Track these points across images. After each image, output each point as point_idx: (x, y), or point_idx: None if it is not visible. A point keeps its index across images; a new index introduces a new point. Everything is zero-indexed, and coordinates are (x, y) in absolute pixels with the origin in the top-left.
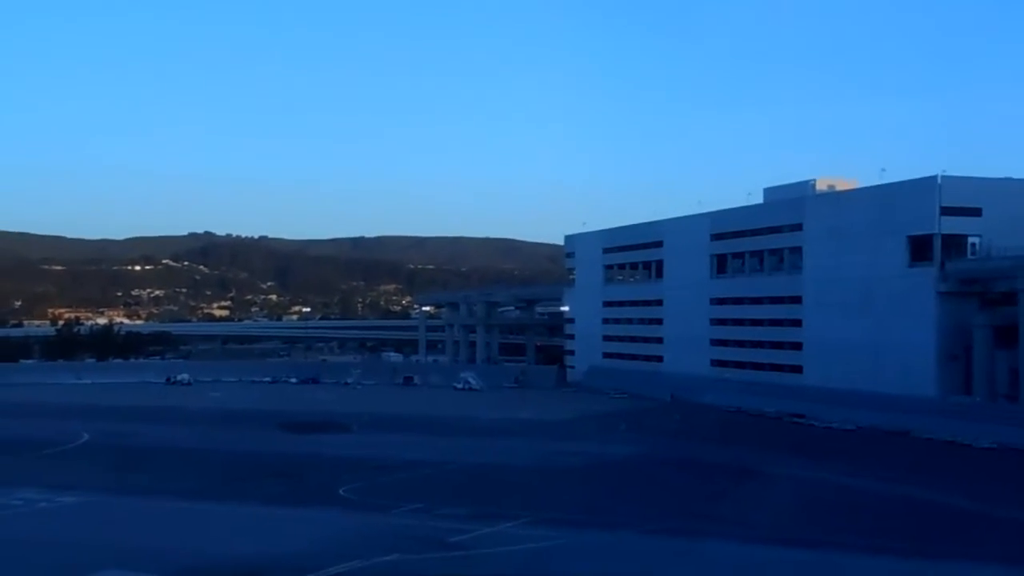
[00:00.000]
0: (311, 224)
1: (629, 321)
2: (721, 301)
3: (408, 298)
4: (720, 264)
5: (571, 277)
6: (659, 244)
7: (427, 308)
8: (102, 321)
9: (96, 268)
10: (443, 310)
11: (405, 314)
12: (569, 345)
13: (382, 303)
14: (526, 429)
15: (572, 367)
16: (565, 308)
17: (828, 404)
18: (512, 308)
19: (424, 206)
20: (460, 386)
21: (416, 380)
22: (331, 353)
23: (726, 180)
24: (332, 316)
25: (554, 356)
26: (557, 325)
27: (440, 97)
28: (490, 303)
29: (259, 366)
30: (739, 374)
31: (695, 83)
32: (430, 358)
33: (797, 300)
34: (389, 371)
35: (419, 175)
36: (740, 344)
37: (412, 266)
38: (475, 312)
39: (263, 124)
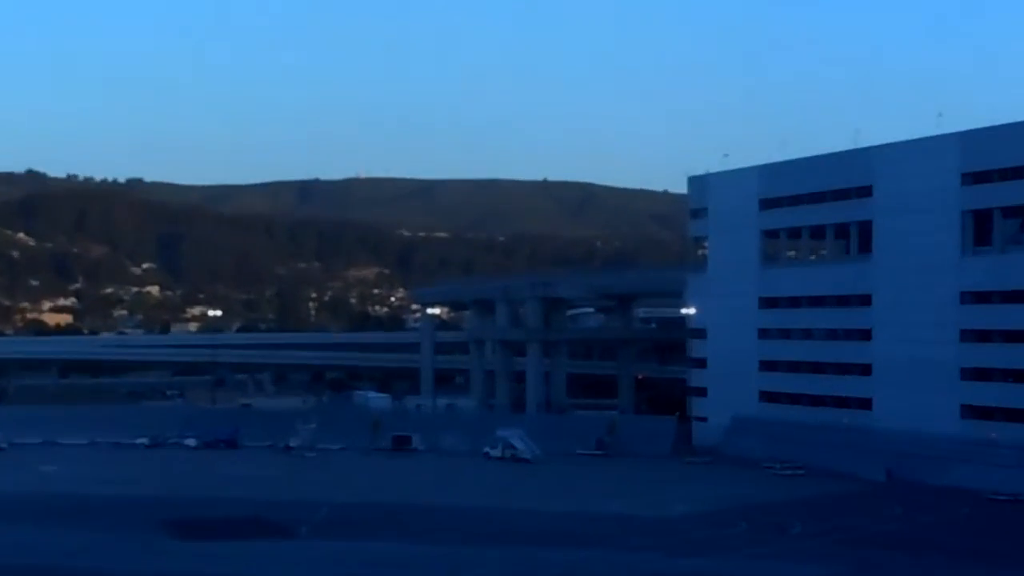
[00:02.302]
0: (222, 161)
1: (807, 335)
2: (983, 297)
3: (401, 292)
4: (980, 226)
5: (700, 253)
6: (866, 192)
7: (435, 311)
8: None
9: None
10: (465, 314)
11: (395, 321)
12: (696, 379)
13: (353, 301)
14: (622, 536)
15: (703, 419)
16: (689, 311)
17: None
18: (590, 310)
19: (430, 129)
20: (497, 453)
21: (416, 442)
22: (260, 392)
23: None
24: (262, 326)
25: (669, 399)
26: (673, 342)
27: None
28: (550, 300)
29: (129, 416)
30: (1015, 432)
31: None
32: (442, 401)
33: None
34: (367, 426)
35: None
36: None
37: (406, 233)
38: (524, 317)
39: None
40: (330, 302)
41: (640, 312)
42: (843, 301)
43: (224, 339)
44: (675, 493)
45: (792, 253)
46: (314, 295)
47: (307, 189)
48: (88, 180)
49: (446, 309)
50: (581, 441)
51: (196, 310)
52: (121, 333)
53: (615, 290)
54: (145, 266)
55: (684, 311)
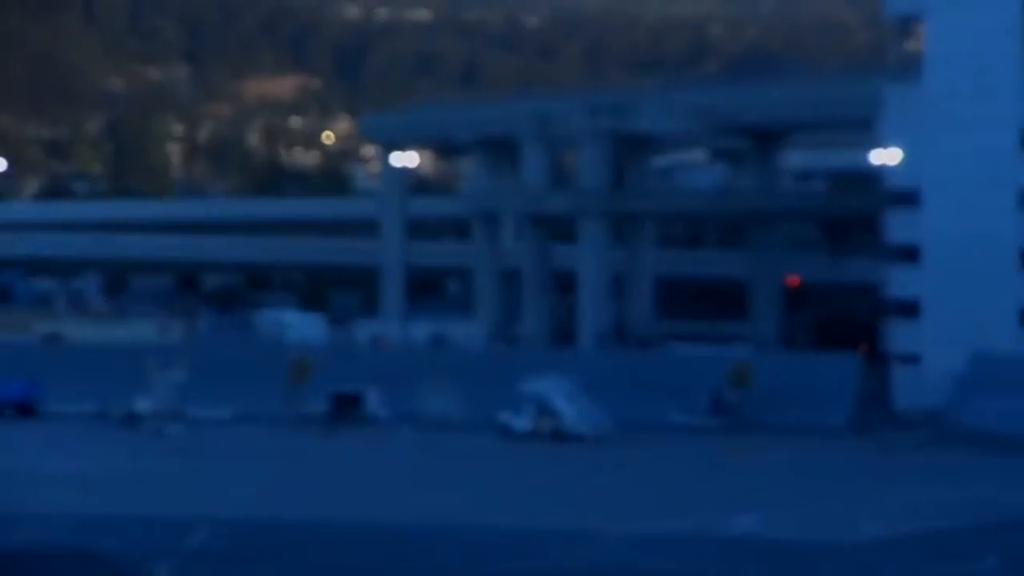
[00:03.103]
0: None
1: None
2: None
3: (344, 122)
4: None
5: (907, 46)
6: None
7: (405, 158)
8: None
9: None
10: (462, 165)
11: (333, 178)
12: (901, 285)
13: (253, 141)
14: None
15: (912, 359)
16: (886, 157)
17: None
18: (699, 157)
19: None
20: (524, 424)
21: (373, 405)
22: (80, 312)
23: None
24: (80, 187)
25: (847, 323)
26: (857, 217)
27: None
28: (623, 138)
29: None
30: None
31: None
32: (421, 329)
33: None
34: (281, 376)
35: None
36: None
37: (354, 13)
38: (574, 172)
39: None
40: (211, 141)
41: (794, 161)
42: None
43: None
44: (863, 498)
45: None
46: (179, 128)
47: None
48: None
49: (426, 155)
50: (683, 400)
51: None
52: None
53: (746, 118)
54: None
55: (876, 158)
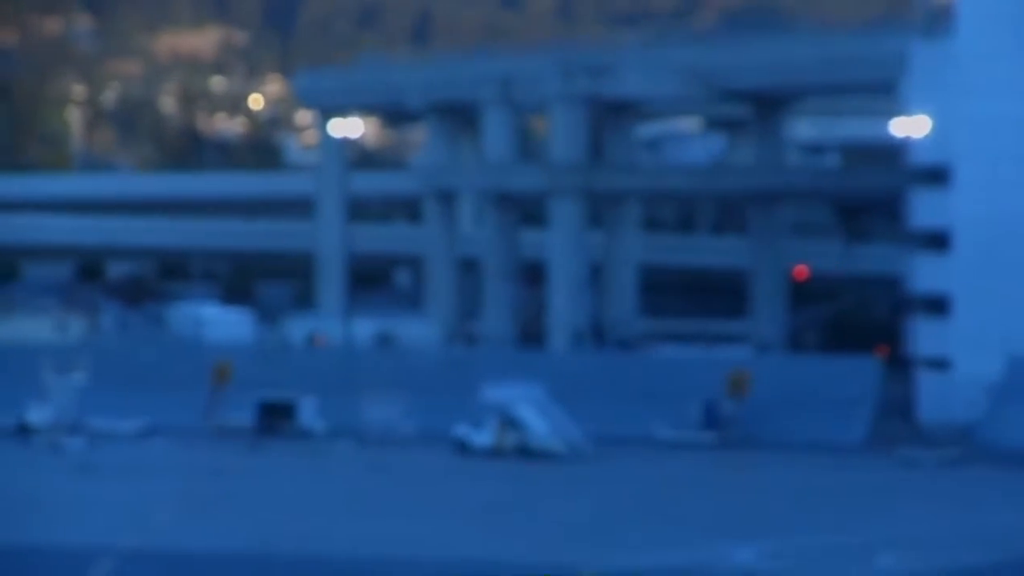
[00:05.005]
0: None
1: None
2: None
3: (274, 83)
4: None
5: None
6: None
7: (346, 125)
8: None
9: None
10: (414, 134)
11: (263, 150)
12: (927, 276)
13: (168, 105)
14: None
15: (941, 364)
16: (911, 128)
17: None
18: (692, 126)
19: None
20: (485, 439)
21: (307, 415)
22: None
23: None
24: None
25: (864, 321)
26: (875, 197)
27: None
28: (604, 104)
29: None
30: None
31: None
32: (365, 327)
33: None
34: (201, 380)
35: None
36: None
37: None
38: (547, 141)
39: None
40: (118, 105)
41: (802, 132)
42: None
43: None
44: (881, 527)
45: None
46: (81, 90)
47: None
48: None
49: (371, 121)
50: (671, 412)
51: None
52: None
53: (745, 81)
54: None
55: (899, 128)
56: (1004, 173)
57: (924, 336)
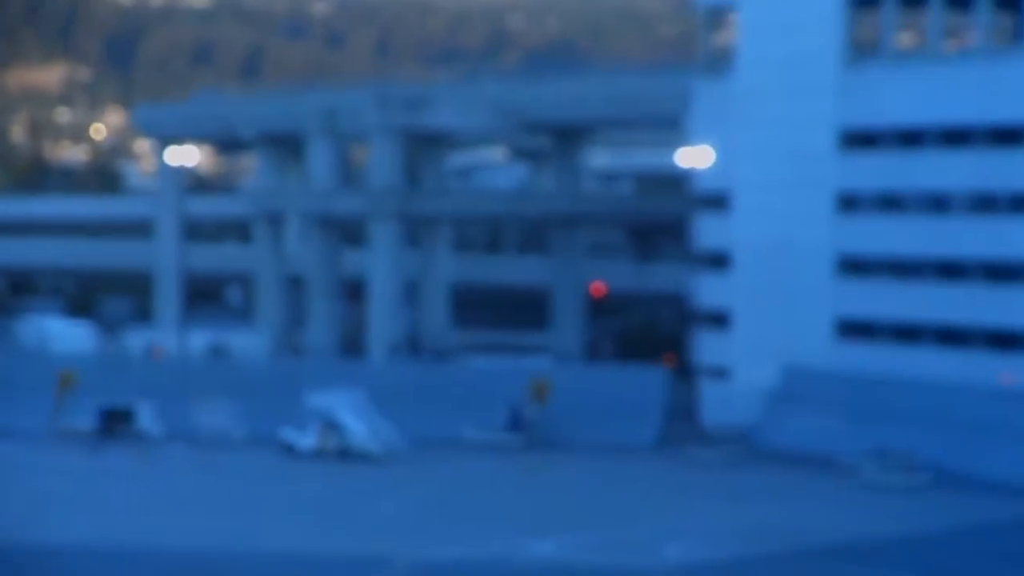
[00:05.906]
0: None
1: (938, 205)
2: None
3: (116, 115)
4: None
5: (718, 39)
6: None
7: (182, 154)
8: None
9: None
10: (245, 162)
11: (104, 176)
12: (710, 293)
13: (15, 137)
14: None
15: (721, 372)
16: (696, 157)
17: None
18: (498, 157)
19: None
20: (309, 442)
21: (145, 420)
22: None
23: None
24: None
25: (653, 333)
26: (664, 221)
27: None
28: (419, 135)
29: None
30: None
31: None
32: (199, 338)
33: None
34: (45, 389)
35: None
36: None
37: None
38: (366, 169)
39: None
40: None
41: (598, 161)
42: (1008, 138)
43: None
44: (668, 520)
45: (905, 39)
46: None
47: None
48: None
49: (206, 150)
50: (479, 416)
51: None
52: None
53: (546, 114)
54: None
55: (685, 159)
56: (775, 200)
57: (707, 347)
